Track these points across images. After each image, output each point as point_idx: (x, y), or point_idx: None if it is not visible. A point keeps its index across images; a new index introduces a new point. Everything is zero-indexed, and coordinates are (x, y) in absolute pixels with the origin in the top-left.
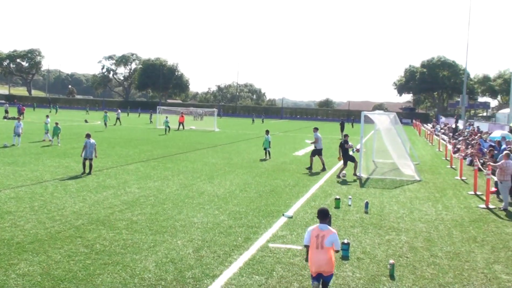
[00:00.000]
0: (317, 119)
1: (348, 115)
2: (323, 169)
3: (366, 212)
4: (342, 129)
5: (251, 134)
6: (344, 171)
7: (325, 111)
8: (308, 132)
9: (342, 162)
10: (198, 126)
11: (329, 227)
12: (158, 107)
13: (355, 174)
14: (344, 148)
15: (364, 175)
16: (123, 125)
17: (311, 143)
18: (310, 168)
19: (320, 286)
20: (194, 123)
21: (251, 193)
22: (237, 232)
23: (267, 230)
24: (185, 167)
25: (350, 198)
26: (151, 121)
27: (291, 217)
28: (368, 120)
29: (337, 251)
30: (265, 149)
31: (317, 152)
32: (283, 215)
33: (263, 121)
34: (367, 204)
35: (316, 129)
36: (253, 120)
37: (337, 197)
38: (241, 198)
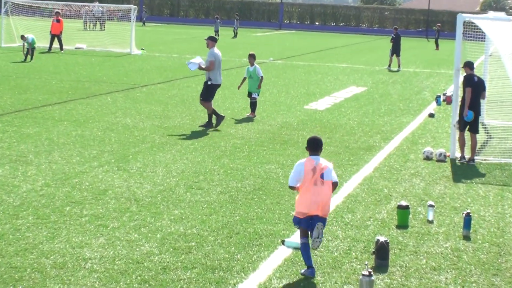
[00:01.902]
0: (358, 30)
1: (427, 22)
2: (217, 123)
3: (467, 238)
4: (395, 51)
5: None
6: (461, 155)
7: (375, 14)
8: (343, 59)
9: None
10: (94, 43)
11: (321, 158)
12: (4, 1)
13: (463, 159)
14: (477, 91)
15: (460, 155)
16: None
17: (200, 68)
18: (207, 123)
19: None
20: (85, 36)
21: (211, 194)
22: (182, 281)
23: (247, 277)
24: (64, 134)
25: (431, 207)
26: None
27: (299, 248)
28: (472, 34)
29: (335, 184)
30: (249, 95)
31: (210, 90)
32: (282, 243)
33: (236, 34)
34: (468, 219)
35: (212, 41)
36: (216, 33)
37: (403, 203)
38: (189, 204)
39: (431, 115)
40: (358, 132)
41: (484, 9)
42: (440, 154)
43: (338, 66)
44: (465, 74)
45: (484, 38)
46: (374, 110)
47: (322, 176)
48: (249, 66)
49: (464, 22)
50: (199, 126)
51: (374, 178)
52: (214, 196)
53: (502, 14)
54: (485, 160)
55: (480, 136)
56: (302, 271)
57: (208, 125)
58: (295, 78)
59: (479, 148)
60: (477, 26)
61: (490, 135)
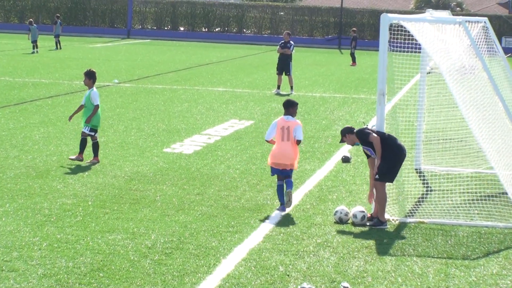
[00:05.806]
0: (241, 38)
1: (340, 25)
2: None
3: None
4: (283, 67)
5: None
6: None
7: (265, 14)
8: (219, 80)
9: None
10: None
11: (294, 118)
12: None
13: (373, 220)
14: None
15: (390, 217)
16: None
17: None
18: None
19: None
20: None
21: (30, 279)
22: None
23: None
24: None
25: None
26: None
27: None
28: (403, 42)
29: (299, 142)
30: (84, 137)
31: None
32: None
33: (58, 44)
34: None
35: None
36: (34, 43)
37: (306, 286)
38: None
39: (346, 160)
40: (241, 186)
41: (420, 7)
42: (360, 216)
43: (213, 91)
44: (356, 130)
45: (420, 49)
46: (264, 153)
47: (290, 134)
48: (89, 88)
49: (391, 25)
50: None
51: (265, 251)
52: (34, 281)
53: (445, 14)
54: (422, 222)
55: (416, 189)
56: (277, 208)
57: None
58: (150, 108)
59: (414, 206)
60: (409, 32)
61: (430, 187)
